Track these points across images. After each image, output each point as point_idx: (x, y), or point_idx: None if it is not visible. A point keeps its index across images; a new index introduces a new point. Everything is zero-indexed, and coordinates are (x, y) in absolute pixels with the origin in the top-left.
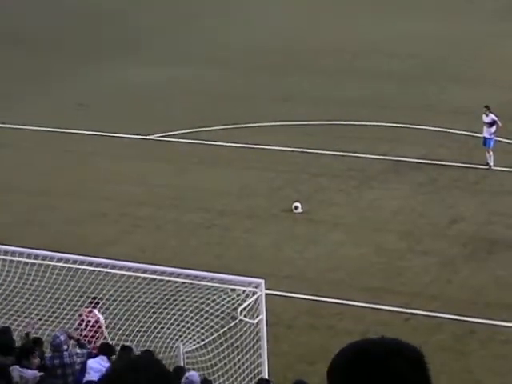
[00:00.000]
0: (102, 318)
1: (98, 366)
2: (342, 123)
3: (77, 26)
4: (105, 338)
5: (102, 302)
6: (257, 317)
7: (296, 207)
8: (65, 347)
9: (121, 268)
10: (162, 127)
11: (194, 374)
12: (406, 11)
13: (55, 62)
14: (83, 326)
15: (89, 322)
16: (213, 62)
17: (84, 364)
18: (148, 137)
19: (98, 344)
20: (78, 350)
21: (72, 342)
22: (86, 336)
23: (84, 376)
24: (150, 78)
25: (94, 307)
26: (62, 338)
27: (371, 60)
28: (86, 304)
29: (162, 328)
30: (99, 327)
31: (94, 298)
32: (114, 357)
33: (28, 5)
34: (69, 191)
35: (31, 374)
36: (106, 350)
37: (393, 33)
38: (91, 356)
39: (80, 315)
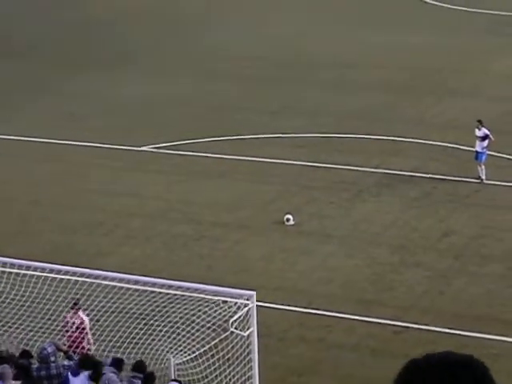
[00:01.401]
0: (86, 319)
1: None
2: (335, 136)
3: (75, 36)
4: (88, 340)
5: (80, 303)
6: (248, 329)
7: (288, 219)
8: (52, 359)
9: (112, 279)
10: (155, 139)
11: None
12: (400, 23)
13: (50, 72)
14: (67, 328)
15: (73, 323)
16: (208, 73)
17: (66, 378)
18: (140, 148)
19: (82, 345)
20: (66, 362)
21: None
22: (70, 337)
23: None
24: (142, 89)
25: (77, 309)
26: (50, 349)
27: (365, 72)
28: (69, 309)
29: (153, 340)
30: (83, 329)
31: (75, 303)
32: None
33: (29, 14)
34: (61, 202)
35: None
36: (88, 364)
37: (388, 45)
38: (74, 371)
39: (64, 318)
